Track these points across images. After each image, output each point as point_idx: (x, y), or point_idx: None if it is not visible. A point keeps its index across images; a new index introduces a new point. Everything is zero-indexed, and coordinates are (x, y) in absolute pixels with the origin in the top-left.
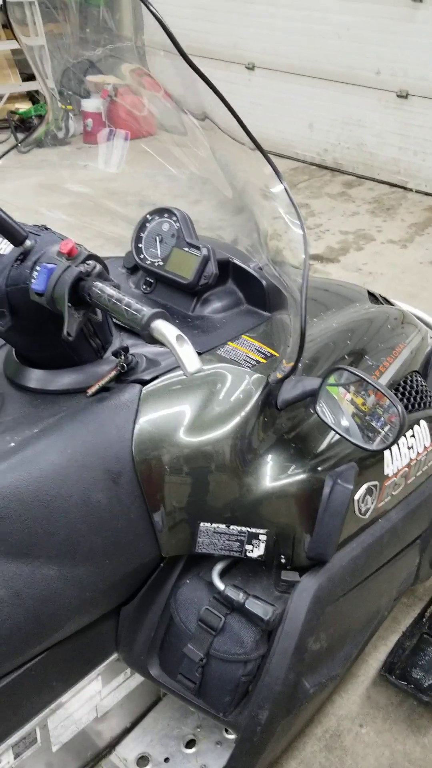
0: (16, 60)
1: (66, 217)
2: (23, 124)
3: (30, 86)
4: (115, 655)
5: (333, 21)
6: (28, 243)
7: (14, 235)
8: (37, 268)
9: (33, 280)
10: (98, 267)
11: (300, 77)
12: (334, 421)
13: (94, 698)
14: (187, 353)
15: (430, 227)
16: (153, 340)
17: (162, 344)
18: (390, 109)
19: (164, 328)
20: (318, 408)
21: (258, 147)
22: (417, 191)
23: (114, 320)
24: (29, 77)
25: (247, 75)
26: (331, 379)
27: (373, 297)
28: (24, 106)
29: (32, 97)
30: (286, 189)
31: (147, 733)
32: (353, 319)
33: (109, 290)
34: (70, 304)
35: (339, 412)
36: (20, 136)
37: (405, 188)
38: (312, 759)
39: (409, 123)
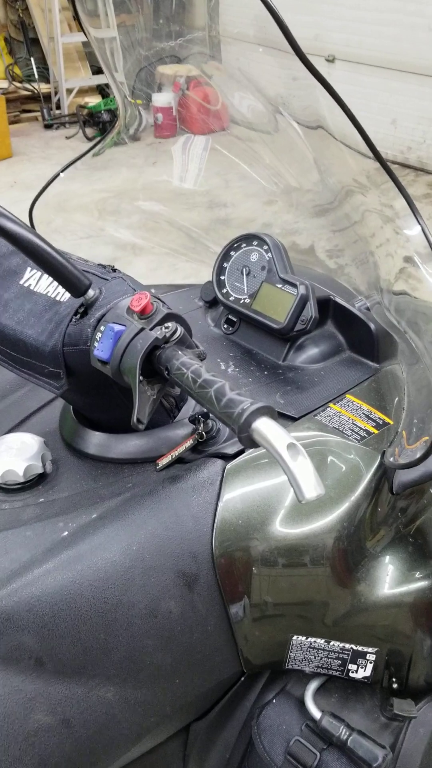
0: (87, 53)
1: (134, 238)
2: (92, 119)
3: (100, 80)
4: None
5: (427, 13)
6: (90, 293)
7: (74, 284)
8: (102, 328)
9: (96, 344)
10: (179, 330)
11: (384, 71)
12: None
13: None
14: (304, 471)
15: None
16: (253, 444)
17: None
18: None
19: (270, 433)
20: None
21: (392, 177)
22: None
23: None
24: (99, 70)
25: (326, 68)
26: None
27: None
28: (93, 100)
29: (102, 90)
30: (424, 231)
31: None
32: None
33: (195, 367)
34: (142, 378)
35: None
36: (89, 131)
37: None
38: None
39: None
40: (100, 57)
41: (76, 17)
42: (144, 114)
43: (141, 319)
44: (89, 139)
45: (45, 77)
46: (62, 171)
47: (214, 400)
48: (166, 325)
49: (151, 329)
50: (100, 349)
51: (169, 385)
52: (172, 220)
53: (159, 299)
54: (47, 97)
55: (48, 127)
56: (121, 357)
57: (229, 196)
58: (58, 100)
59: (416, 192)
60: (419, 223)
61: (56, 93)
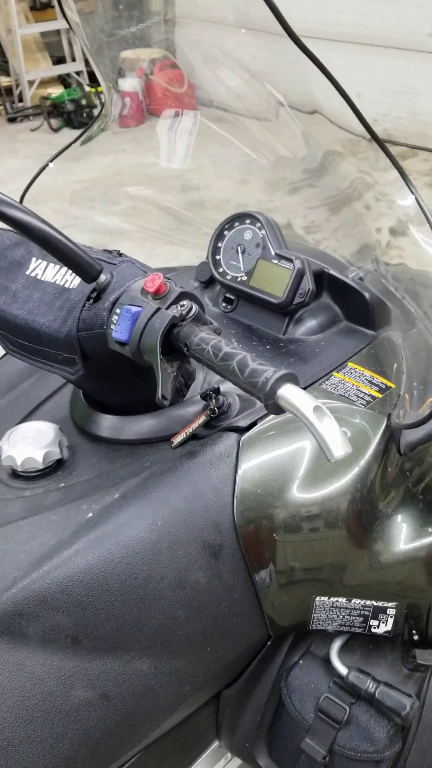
0: (46, 43)
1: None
2: (56, 109)
3: (61, 70)
4: (216, 743)
5: None
6: (102, 278)
7: (87, 270)
8: (117, 310)
9: (113, 326)
10: (194, 308)
11: (347, 44)
12: None
13: None
14: (330, 432)
15: None
16: (279, 411)
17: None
18: None
19: (296, 398)
20: None
21: (384, 149)
22: None
23: None
24: (59, 60)
25: (290, 44)
26: None
27: None
28: (56, 91)
29: (63, 80)
30: (419, 202)
31: None
32: None
33: (215, 342)
34: (162, 357)
35: None
36: (53, 122)
37: None
38: None
39: None
40: (81, 43)
41: (59, 4)
42: (117, 99)
43: (156, 299)
44: (54, 131)
45: (5, 70)
46: (51, 161)
47: (237, 372)
48: (181, 303)
49: (167, 308)
50: (119, 331)
51: (186, 361)
52: (151, 203)
53: (170, 279)
54: (9, 91)
55: (12, 120)
56: (140, 337)
57: (201, 178)
58: (20, 92)
59: (384, 163)
60: (412, 193)
61: (18, 86)
